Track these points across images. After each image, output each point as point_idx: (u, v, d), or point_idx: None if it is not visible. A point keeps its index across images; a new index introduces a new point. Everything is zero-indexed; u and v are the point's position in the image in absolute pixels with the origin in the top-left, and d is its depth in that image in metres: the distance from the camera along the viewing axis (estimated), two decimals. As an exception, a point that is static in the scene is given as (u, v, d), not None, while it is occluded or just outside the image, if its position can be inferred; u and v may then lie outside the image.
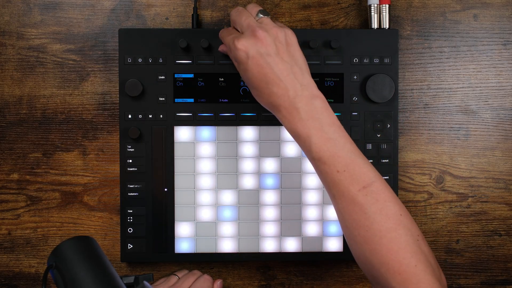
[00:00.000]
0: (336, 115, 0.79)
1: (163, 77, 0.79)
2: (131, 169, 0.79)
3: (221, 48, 0.76)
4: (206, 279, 0.76)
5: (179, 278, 0.77)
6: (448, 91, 0.82)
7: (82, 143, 0.82)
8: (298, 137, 0.64)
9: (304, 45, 0.78)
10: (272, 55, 0.64)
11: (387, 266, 0.60)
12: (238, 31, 0.68)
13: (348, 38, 0.79)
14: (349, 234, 0.63)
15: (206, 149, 0.79)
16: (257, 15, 0.68)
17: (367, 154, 0.79)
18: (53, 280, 0.59)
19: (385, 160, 0.79)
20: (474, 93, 0.82)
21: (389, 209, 0.61)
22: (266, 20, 0.67)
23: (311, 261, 0.83)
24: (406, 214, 0.62)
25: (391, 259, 0.60)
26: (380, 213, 0.61)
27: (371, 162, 0.79)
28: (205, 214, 0.79)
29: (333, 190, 0.63)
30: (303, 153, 0.80)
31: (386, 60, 0.79)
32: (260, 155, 0.80)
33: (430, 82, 0.82)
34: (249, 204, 0.80)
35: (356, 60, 0.79)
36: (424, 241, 0.62)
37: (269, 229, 0.80)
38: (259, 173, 0.80)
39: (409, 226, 0.62)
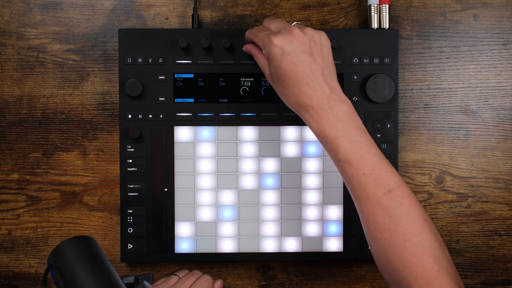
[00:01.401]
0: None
1: (163, 77, 0.79)
2: (131, 169, 0.79)
3: (246, 48, 0.74)
4: (206, 279, 0.76)
5: (179, 278, 0.77)
6: (448, 91, 0.82)
7: (82, 143, 0.82)
8: (325, 138, 0.64)
9: (304, 45, 0.78)
10: (306, 55, 0.65)
11: (409, 270, 0.61)
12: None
13: (348, 38, 0.79)
14: (372, 237, 0.64)
15: (206, 149, 0.79)
16: (291, 23, 0.69)
17: (367, 154, 0.79)
18: (53, 280, 0.59)
19: (385, 160, 0.79)
20: (474, 93, 0.82)
21: (414, 214, 0.62)
22: (300, 24, 0.69)
23: (311, 261, 0.83)
24: (428, 219, 0.64)
25: (414, 262, 0.61)
26: (405, 217, 0.62)
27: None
28: (205, 214, 0.79)
29: (357, 192, 0.64)
30: (308, 152, 0.80)
31: (386, 60, 0.79)
32: (260, 155, 0.80)
33: (430, 82, 0.82)
34: (249, 204, 0.80)
35: (356, 60, 0.79)
36: (445, 247, 0.64)
37: (269, 229, 0.80)
38: (259, 173, 0.80)
39: (433, 232, 0.63)
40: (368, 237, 0.65)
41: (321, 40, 0.67)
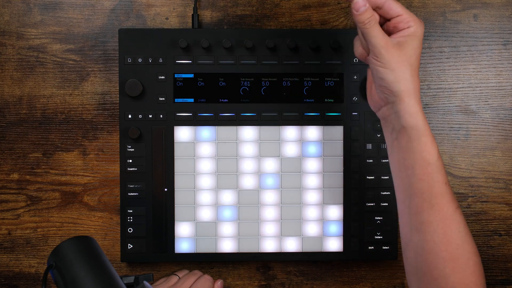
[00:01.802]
0: (336, 115, 0.79)
1: (163, 77, 0.79)
2: (131, 169, 0.79)
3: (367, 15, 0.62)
4: (206, 279, 0.76)
5: (179, 278, 0.77)
6: (448, 91, 0.82)
7: (82, 143, 0.82)
8: (426, 136, 0.61)
9: (304, 45, 0.78)
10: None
11: (466, 287, 0.61)
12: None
13: (348, 38, 0.79)
14: (433, 249, 0.61)
15: (206, 149, 0.79)
16: None
17: (367, 154, 0.79)
18: (53, 280, 0.59)
19: (385, 160, 0.79)
20: (474, 93, 0.82)
21: (471, 234, 0.63)
22: None
23: (311, 261, 0.83)
24: None
25: (471, 281, 0.61)
26: (469, 235, 0.62)
27: (370, 162, 0.79)
28: (205, 214, 0.79)
29: (434, 200, 0.61)
30: (304, 152, 0.80)
31: (386, 60, 0.79)
32: (260, 155, 0.80)
33: (430, 82, 0.82)
34: (249, 204, 0.80)
35: (356, 60, 0.79)
36: None
37: (269, 229, 0.80)
38: (259, 173, 0.80)
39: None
40: (426, 248, 0.62)
41: None
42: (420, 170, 0.62)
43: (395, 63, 0.61)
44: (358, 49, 0.65)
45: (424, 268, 0.62)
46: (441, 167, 0.62)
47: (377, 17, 0.61)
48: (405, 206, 0.63)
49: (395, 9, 0.61)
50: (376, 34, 0.60)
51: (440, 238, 0.61)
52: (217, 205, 0.80)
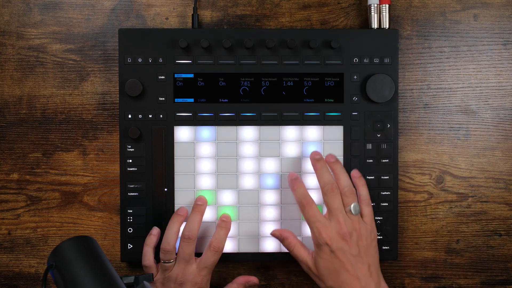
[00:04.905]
0: (336, 115, 0.79)
1: (163, 77, 0.79)
2: (131, 169, 0.79)
3: (281, 234, 0.76)
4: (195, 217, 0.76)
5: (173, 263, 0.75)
6: (448, 91, 0.82)
7: (82, 143, 0.82)
8: None
9: (304, 45, 0.78)
10: (353, 256, 0.69)
11: None
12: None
13: (348, 38, 0.79)
14: None
15: (206, 149, 0.79)
16: (349, 208, 0.72)
17: (367, 154, 0.79)
18: (53, 280, 0.59)
19: (385, 160, 0.79)
20: (474, 93, 0.82)
21: None
22: (355, 218, 0.72)
23: (311, 261, 0.83)
24: None
25: None
26: None
27: (370, 162, 0.79)
28: (205, 214, 0.79)
29: None
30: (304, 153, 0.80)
31: (386, 60, 0.79)
32: (260, 155, 0.80)
33: (430, 82, 0.82)
34: (249, 204, 0.80)
35: (356, 60, 0.79)
36: None
37: (269, 229, 0.80)
38: (259, 173, 0.80)
39: None
40: None
41: (370, 235, 0.72)
42: None
43: (312, 276, 0.73)
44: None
45: None
46: None
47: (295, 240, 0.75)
48: None
49: (304, 214, 0.73)
50: (296, 255, 0.75)
51: None
52: (217, 205, 0.80)
